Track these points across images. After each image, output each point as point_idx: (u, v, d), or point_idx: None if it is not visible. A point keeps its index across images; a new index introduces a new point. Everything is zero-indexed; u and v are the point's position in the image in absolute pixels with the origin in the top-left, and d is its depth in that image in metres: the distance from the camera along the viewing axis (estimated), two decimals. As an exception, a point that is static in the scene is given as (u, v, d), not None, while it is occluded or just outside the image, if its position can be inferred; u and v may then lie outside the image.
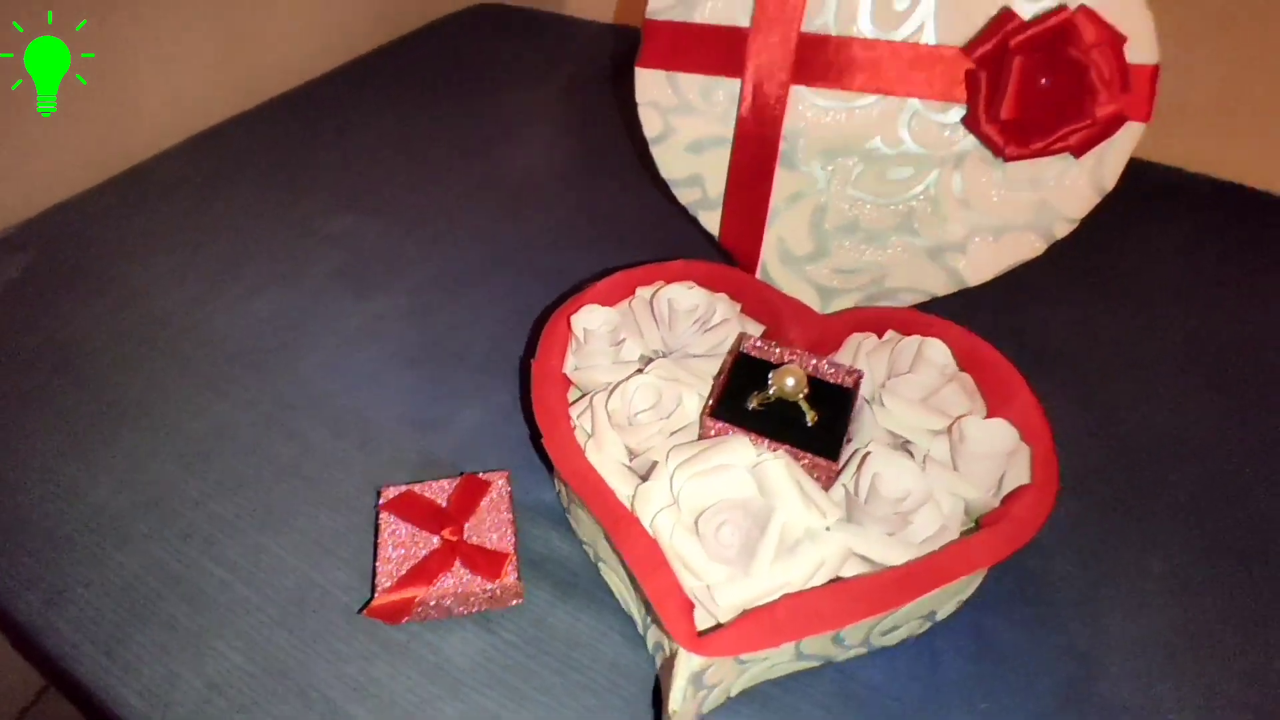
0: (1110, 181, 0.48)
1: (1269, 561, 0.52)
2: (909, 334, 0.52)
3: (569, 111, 0.98)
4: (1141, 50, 0.44)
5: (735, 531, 0.40)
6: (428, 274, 0.73)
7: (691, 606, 0.40)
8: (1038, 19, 0.44)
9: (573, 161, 0.89)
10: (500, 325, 0.67)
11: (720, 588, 0.40)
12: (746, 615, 0.39)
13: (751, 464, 0.42)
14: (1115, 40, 0.43)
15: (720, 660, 0.38)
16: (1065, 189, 0.49)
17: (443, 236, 0.77)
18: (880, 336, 0.53)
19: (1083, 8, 0.43)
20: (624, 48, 0.53)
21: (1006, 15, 0.45)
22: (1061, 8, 0.43)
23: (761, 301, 0.55)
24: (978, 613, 0.49)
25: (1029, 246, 0.51)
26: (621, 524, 0.42)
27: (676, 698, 0.37)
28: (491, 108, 0.99)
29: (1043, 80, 0.44)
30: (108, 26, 0.79)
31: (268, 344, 0.65)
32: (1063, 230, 0.50)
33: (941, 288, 0.54)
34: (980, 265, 0.53)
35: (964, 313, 0.53)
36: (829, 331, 0.53)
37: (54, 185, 0.81)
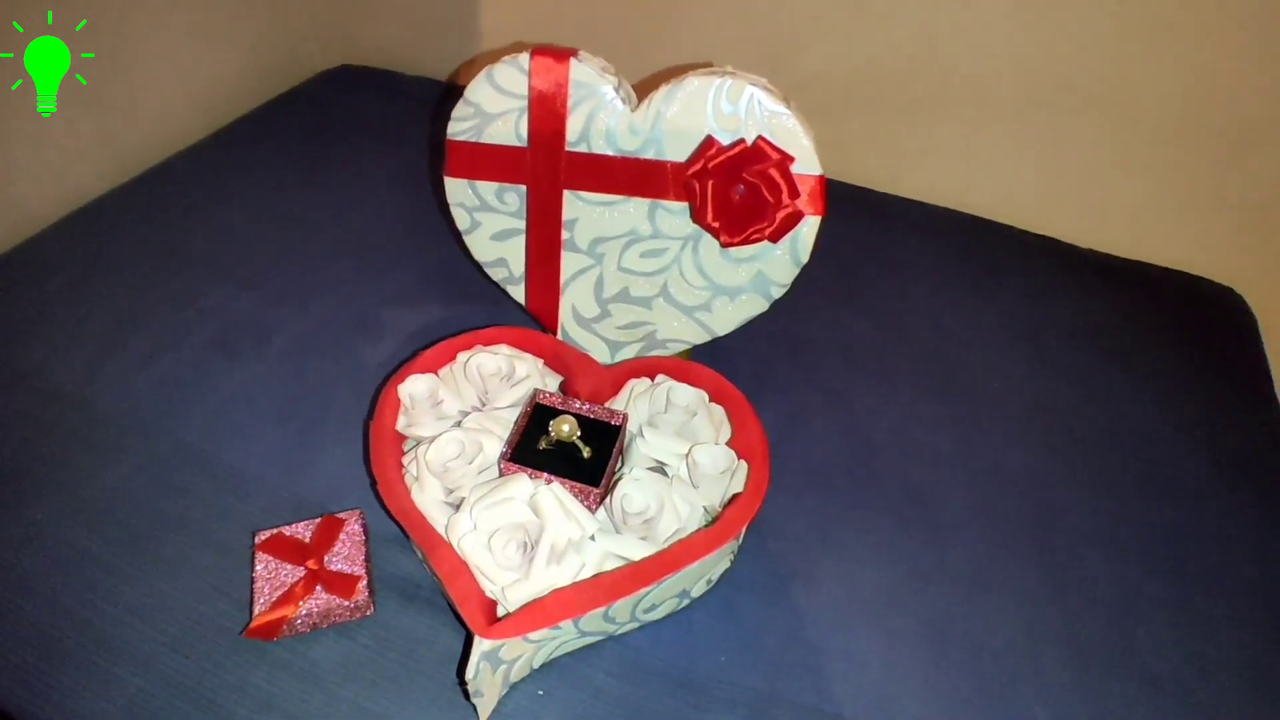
0: (804, 256, 0.64)
1: (951, 542, 0.69)
2: (675, 378, 0.67)
3: (429, 171, 1.09)
4: (808, 164, 0.60)
5: (517, 547, 0.55)
6: (294, 338, 0.83)
7: (489, 604, 0.54)
8: (730, 146, 0.60)
9: (430, 220, 1.00)
10: (360, 382, 0.78)
11: (509, 589, 0.54)
12: (525, 607, 0.53)
13: (529, 495, 0.56)
14: (784, 161, 0.59)
15: (510, 641, 0.52)
16: (773, 263, 0.64)
17: (308, 301, 0.88)
18: (653, 380, 0.68)
19: (760, 138, 0.59)
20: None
21: (708, 142, 0.60)
22: (740, 140, 0.59)
23: (557, 357, 0.69)
24: (729, 588, 0.64)
25: (756, 305, 0.67)
26: (434, 546, 0.55)
27: (471, 670, 0.50)
28: (354, 169, 1.09)
29: (737, 191, 0.60)
30: None
31: (152, 413, 0.75)
32: (778, 292, 0.66)
33: (698, 338, 0.70)
34: (724, 320, 0.68)
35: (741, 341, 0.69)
36: (610, 379, 0.68)
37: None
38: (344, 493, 0.69)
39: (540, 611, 0.51)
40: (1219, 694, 0.61)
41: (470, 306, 0.87)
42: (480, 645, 0.50)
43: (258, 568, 0.61)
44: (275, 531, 0.63)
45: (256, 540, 0.63)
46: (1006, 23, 0.93)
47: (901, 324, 0.91)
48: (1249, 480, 0.77)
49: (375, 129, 1.18)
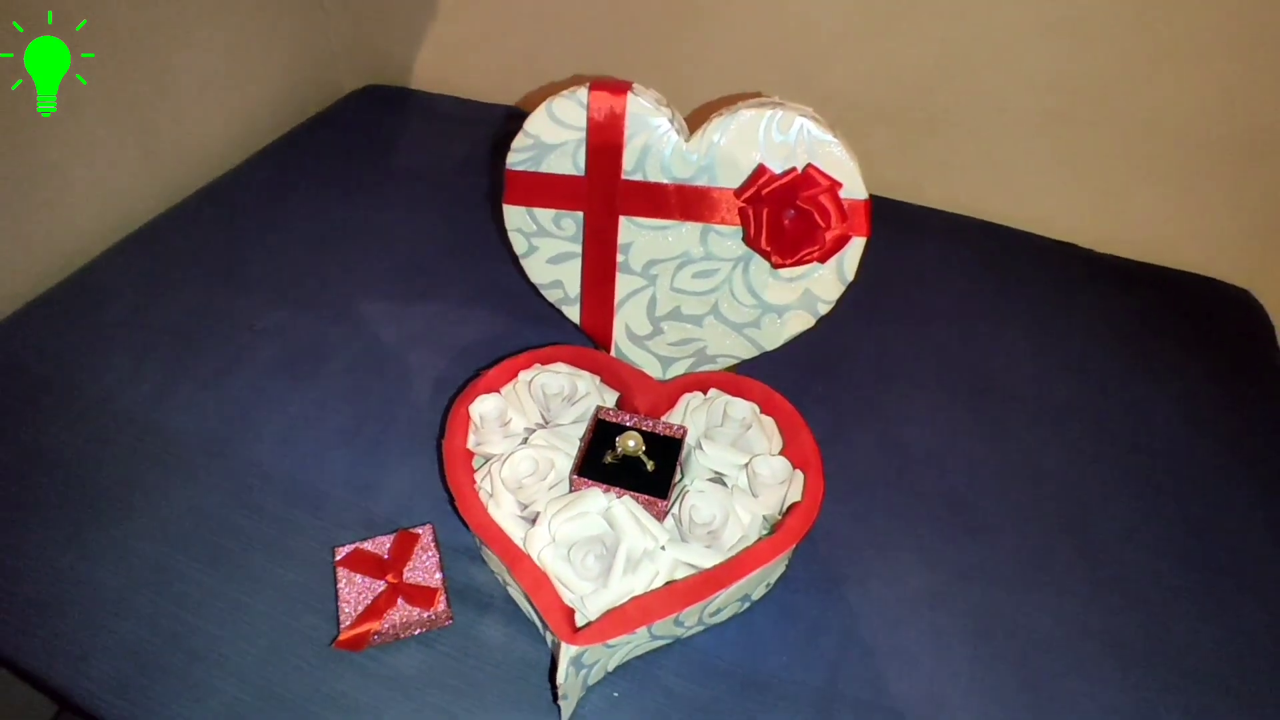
0: (850, 275, 0.67)
1: (990, 543, 0.73)
2: (727, 392, 0.71)
3: (465, 189, 1.12)
4: (854, 190, 0.64)
5: (595, 558, 0.58)
6: (351, 357, 0.87)
7: (570, 612, 0.58)
8: (782, 174, 0.63)
9: (470, 240, 1.04)
10: (419, 397, 0.82)
11: (588, 598, 0.58)
12: (607, 614, 0.56)
13: (603, 509, 0.60)
14: (833, 187, 0.62)
15: (592, 647, 0.55)
16: (820, 281, 0.68)
17: (362, 321, 0.91)
18: (705, 394, 0.72)
19: (810, 166, 0.62)
20: (510, 127, 0.67)
21: (760, 170, 0.63)
22: (792, 169, 0.62)
23: (614, 375, 0.73)
24: (785, 591, 0.68)
25: (803, 321, 0.70)
26: (516, 560, 0.59)
27: (562, 675, 0.54)
28: (392, 189, 1.13)
29: (788, 216, 0.63)
30: (28, 133, 0.88)
31: (221, 433, 0.78)
32: (824, 309, 0.69)
33: (746, 353, 0.73)
34: (772, 336, 0.72)
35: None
36: (665, 394, 0.72)
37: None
38: (413, 507, 0.73)
39: (622, 618, 0.55)
40: (1254, 681, 0.64)
41: (516, 321, 0.90)
42: (568, 651, 0.54)
43: (341, 582, 0.64)
44: (354, 547, 0.67)
45: (336, 556, 0.66)
46: (1026, 36, 0.96)
47: (929, 332, 0.94)
48: (1272, 474, 0.80)
49: (408, 149, 1.21)
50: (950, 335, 0.94)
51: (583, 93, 0.65)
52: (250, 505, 0.73)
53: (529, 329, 0.88)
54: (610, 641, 0.56)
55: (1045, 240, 1.08)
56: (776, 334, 0.71)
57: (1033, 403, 0.86)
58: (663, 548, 0.60)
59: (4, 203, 0.88)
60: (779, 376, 0.74)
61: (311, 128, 1.25)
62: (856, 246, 0.65)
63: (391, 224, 1.06)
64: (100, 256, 0.98)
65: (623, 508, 0.60)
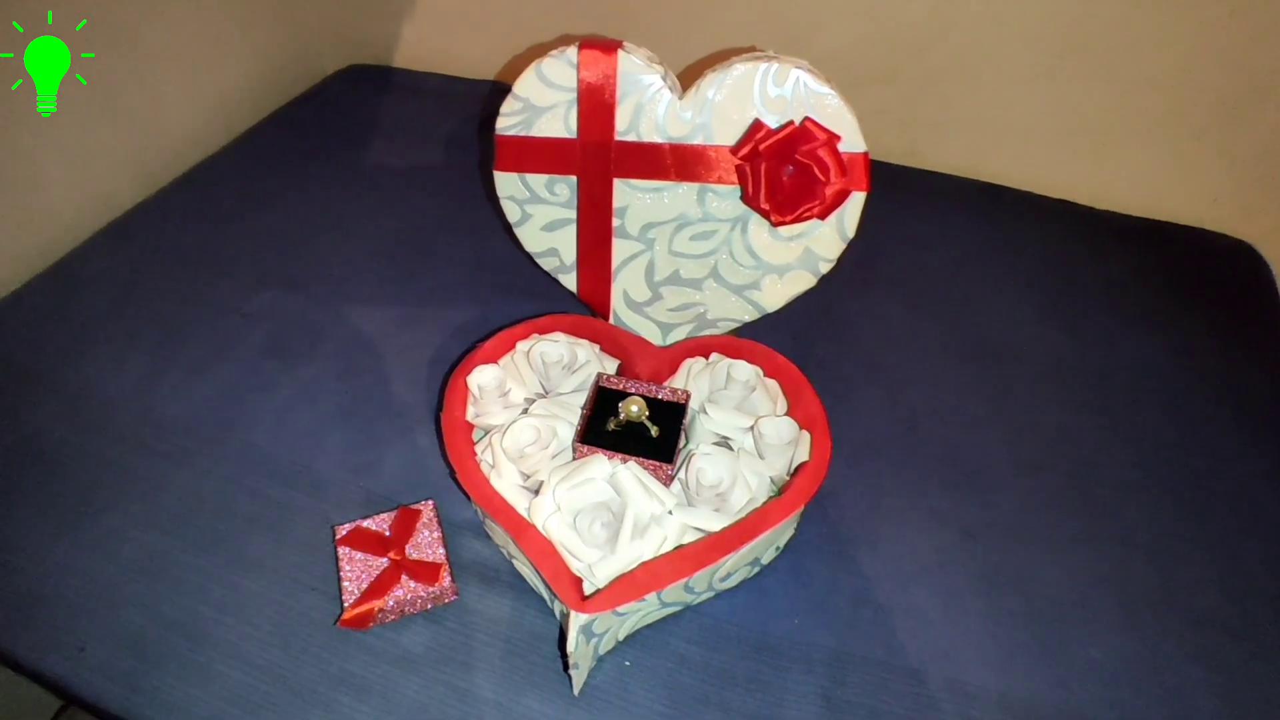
0: (850, 231, 0.66)
1: (997, 500, 0.72)
2: (729, 356, 0.70)
3: (451, 167, 1.10)
4: (853, 143, 0.62)
5: (602, 525, 0.57)
6: (343, 337, 0.85)
7: (578, 580, 0.57)
8: (779, 129, 0.61)
9: (458, 217, 1.02)
10: (413, 375, 0.81)
11: (597, 565, 0.56)
12: (616, 581, 0.55)
13: (608, 475, 0.58)
14: (831, 140, 0.61)
15: (602, 615, 0.54)
16: (820, 239, 0.66)
17: (352, 301, 0.90)
18: (707, 359, 0.71)
19: (807, 119, 0.61)
20: (495, 102, 0.66)
21: (757, 125, 0.62)
22: (789, 123, 0.61)
23: (614, 342, 0.71)
24: (794, 555, 0.67)
25: (804, 280, 0.69)
26: (522, 530, 0.58)
27: (572, 644, 0.53)
28: (377, 168, 1.11)
29: (786, 172, 0.62)
30: (1, 123, 0.86)
31: (213, 418, 0.77)
32: (825, 267, 0.68)
33: (748, 316, 0.72)
34: (772, 297, 0.70)
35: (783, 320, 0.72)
36: (666, 360, 0.71)
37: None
38: (411, 483, 0.72)
39: (632, 584, 0.54)
40: (1257, 625, 0.64)
41: (507, 298, 0.89)
42: (578, 620, 0.53)
43: (342, 561, 0.63)
44: (354, 525, 0.65)
45: (337, 534, 0.65)
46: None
47: (928, 294, 0.93)
48: (1270, 425, 0.80)
49: (391, 127, 1.19)
50: (950, 296, 0.93)
51: (572, 52, 0.63)
52: (246, 489, 0.71)
53: (523, 304, 0.86)
54: (620, 609, 0.55)
55: (1043, 199, 1.07)
56: (778, 295, 0.70)
57: (1034, 360, 0.86)
58: (670, 512, 0.59)
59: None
60: (780, 342, 0.72)
61: (293, 109, 1.23)
62: (857, 201, 0.64)
63: (378, 203, 1.04)
64: (80, 245, 0.96)
65: (628, 473, 0.58)
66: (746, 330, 0.74)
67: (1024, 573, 0.67)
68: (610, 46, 0.63)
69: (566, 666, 0.55)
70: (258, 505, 0.70)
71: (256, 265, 0.94)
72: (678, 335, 0.74)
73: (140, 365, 0.82)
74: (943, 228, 1.03)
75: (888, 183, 1.06)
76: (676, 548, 0.58)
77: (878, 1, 1.00)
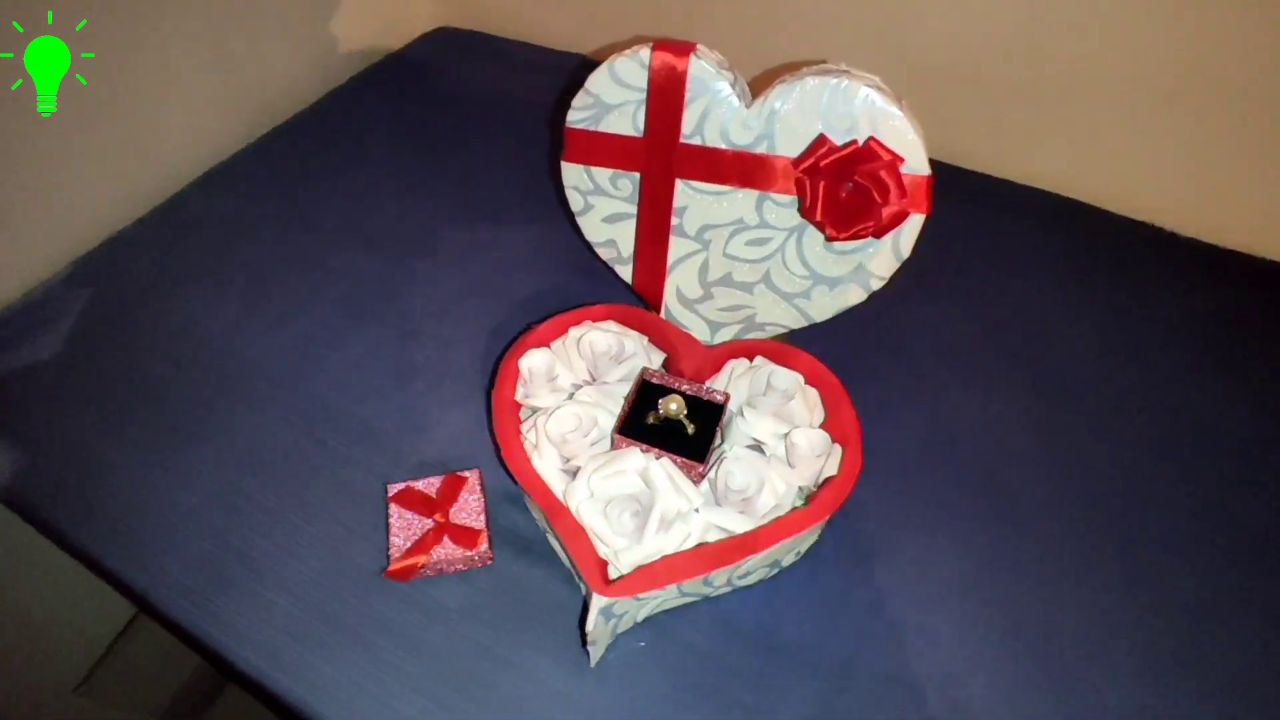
0: (906, 252, 0.66)
1: (1030, 532, 0.72)
2: (773, 361, 0.71)
3: (533, 139, 1.13)
4: (917, 165, 0.62)
5: (631, 515, 0.60)
6: (414, 300, 0.90)
7: (604, 564, 0.60)
8: (843, 146, 0.62)
9: (536, 190, 1.05)
10: (475, 345, 0.85)
11: (622, 552, 0.60)
12: (639, 569, 0.59)
13: (641, 468, 0.61)
14: (894, 162, 0.61)
15: (622, 599, 0.58)
16: (875, 256, 0.67)
17: (426, 266, 0.94)
18: (751, 361, 0.72)
19: (872, 139, 0.61)
20: (581, 78, 0.68)
21: (820, 141, 0.62)
22: (854, 141, 0.61)
23: (662, 336, 0.74)
24: (815, 561, 0.69)
25: (854, 294, 0.69)
26: (557, 511, 0.61)
27: (591, 623, 0.57)
28: (464, 133, 1.14)
29: (845, 189, 0.62)
30: (117, 62, 0.91)
31: (292, 368, 0.83)
32: (877, 284, 0.68)
33: (795, 323, 0.73)
34: (822, 307, 0.71)
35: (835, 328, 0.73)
36: (711, 359, 0.73)
37: (96, 222, 0.96)
38: (462, 451, 0.76)
39: (651, 575, 0.57)
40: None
41: (575, 277, 0.92)
42: (599, 602, 0.56)
43: (392, 517, 0.68)
44: (405, 485, 0.70)
45: (389, 492, 0.70)
46: (1127, 6, 0.90)
47: (995, 314, 0.91)
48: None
49: (479, 93, 1.22)
50: (1014, 316, 0.91)
51: (645, 53, 0.65)
52: (313, 438, 0.77)
53: (588, 283, 0.89)
54: (639, 595, 0.58)
55: (1129, 221, 1.02)
56: (826, 306, 0.71)
57: (1094, 395, 0.83)
58: (696, 510, 0.61)
59: (99, 137, 0.93)
60: (830, 347, 0.73)
61: (383, 68, 1.27)
62: (915, 223, 0.64)
63: (459, 170, 1.08)
64: (186, 188, 1.03)
65: (660, 469, 0.61)
66: (799, 334, 0.75)
67: (1047, 610, 0.67)
68: (683, 49, 0.64)
69: (585, 642, 0.59)
70: (322, 455, 0.76)
71: (342, 221, 0.99)
72: (725, 335, 0.76)
73: (231, 310, 0.89)
74: (1019, 243, 1.00)
75: (964, 189, 1.05)
76: (699, 544, 0.61)
77: (976, 5, 0.97)
